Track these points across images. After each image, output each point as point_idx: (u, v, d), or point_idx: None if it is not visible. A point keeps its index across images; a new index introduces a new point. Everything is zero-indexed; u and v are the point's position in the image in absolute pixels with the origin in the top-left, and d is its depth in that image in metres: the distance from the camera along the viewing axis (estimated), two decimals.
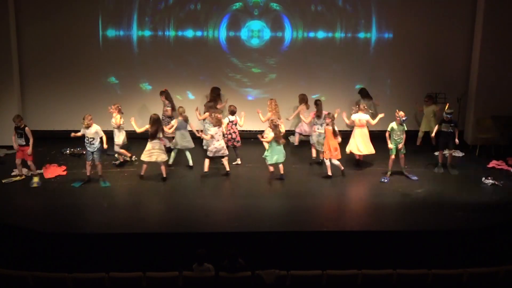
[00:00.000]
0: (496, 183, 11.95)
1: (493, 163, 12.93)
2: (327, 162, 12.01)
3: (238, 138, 12.66)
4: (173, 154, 12.55)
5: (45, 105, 13.92)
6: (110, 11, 13.87)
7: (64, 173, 12.05)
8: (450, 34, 14.30)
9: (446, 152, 12.45)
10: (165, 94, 13.44)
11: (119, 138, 12.51)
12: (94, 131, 11.44)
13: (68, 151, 13.22)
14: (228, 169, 12.19)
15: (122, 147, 12.60)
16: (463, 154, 13.66)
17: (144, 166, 11.86)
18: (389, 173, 12.19)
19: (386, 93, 14.50)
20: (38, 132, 12.00)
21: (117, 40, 14.05)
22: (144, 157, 11.75)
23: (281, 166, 11.93)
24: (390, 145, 11.98)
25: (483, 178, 12.13)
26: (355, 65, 14.49)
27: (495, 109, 13.97)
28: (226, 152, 12.07)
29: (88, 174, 11.74)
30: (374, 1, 14.17)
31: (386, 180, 12.02)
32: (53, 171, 12.00)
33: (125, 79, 14.29)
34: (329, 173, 12.02)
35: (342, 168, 12.10)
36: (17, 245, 9.81)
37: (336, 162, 12.01)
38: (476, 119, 14.08)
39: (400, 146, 12.01)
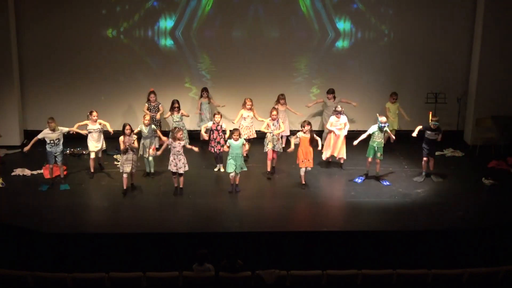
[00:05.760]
0: (496, 183, 11.96)
1: (493, 163, 12.94)
2: (302, 171, 11.70)
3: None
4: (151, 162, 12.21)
5: (45, 105, 13.89)
6: (110, 11, 13.88)
7: (64, 173, 12.04)
8: (450, 34, 14.27)
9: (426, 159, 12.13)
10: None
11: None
12: (58, 132, 11.46)
13: (68, 151, 13.21)
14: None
15: None
16: (463, 154, 13.68)
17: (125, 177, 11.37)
18: (365, 173, 12.14)
19: (386, 93, 14.43)
20: (38, 132, 11.95)
21: (118, 40, 14.05)
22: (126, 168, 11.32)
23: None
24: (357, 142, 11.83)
25: (483, 178, 12.14)
26: (353, 65, 14.48)
27: (495, 109, 13.96)
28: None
29: (49, 177, 11.66)
30: (374, 1, 14.17)
31: (359, 181, 11.99)
32: (53, 171, 11.98)
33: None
34: (303, 181, 11.74)
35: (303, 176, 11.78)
36: (17, 245, 9.82)
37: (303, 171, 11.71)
38: (476, 119, 14.06)
39: (378, 154, 11.87)
